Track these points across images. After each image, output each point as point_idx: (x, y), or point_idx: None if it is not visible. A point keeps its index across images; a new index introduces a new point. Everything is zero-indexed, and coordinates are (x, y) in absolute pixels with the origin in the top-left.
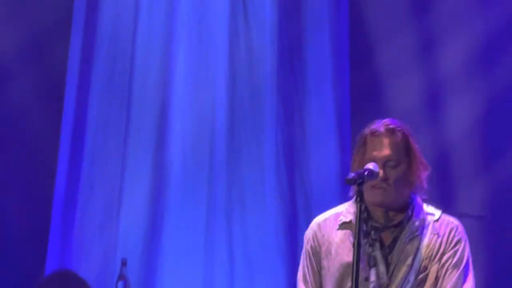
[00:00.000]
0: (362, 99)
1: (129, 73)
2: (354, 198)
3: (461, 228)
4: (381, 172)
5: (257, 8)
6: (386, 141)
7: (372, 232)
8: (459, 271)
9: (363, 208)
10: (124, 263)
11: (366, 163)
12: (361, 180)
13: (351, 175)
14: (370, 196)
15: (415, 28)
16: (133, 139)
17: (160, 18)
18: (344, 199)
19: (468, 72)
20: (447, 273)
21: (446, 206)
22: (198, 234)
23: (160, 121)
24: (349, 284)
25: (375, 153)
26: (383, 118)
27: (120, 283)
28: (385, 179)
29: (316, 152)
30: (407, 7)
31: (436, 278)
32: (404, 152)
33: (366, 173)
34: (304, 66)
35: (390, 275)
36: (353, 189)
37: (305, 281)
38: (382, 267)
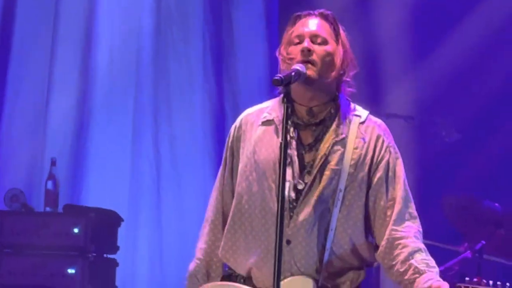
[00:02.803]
0: (291, 4)
1: None
2: (281, 96)
3: (388, 133)
4: (306, 42)
5: None
6: (316, 20)
7: (291, 130)
8: (399, 190)
9: (284, 110)
10: (53, 163)
11: (293, 41)
12: (288, 81)
13: (278, 76)
14: (300, 87)
15: None
16: (61, 39)
17: None
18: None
19: None
20: (385, 192)
21: (374, 107)
22: (125, 132)
23: (87, 22)
24: (265, 183)
25: (303, 29)
26: None
27: (49, 182)
28: (309, 51)
29: (244, 52)
30: None
31: (367, 193)
32: (333, 35)
33: (293, 73)
34: None
35: (313, 180)
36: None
37: (221, 184)
38: (296, 167)
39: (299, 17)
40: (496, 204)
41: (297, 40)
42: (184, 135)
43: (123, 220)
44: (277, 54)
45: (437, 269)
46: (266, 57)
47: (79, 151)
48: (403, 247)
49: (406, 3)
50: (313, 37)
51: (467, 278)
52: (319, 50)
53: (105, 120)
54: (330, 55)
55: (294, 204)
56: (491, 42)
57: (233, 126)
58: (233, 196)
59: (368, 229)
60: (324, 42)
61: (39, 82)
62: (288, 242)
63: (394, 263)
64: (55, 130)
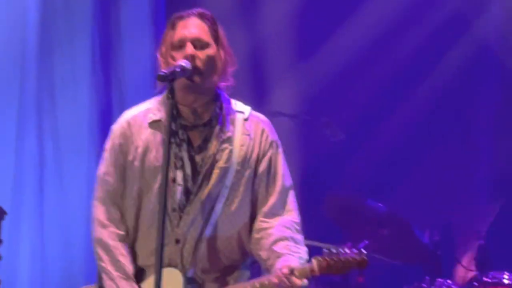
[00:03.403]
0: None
1: None
2: (164, 94)
3: (271, 128)
4: (189, 48)
5: None
6: (196, 22)
7: (180, 132)
8: (277, 184)
9: (170, 106)
10: None
11: (175, 44)
12: (172, 76)
13: (163, 71)
14: (182, 92)
15: None
16: None
17: None
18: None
19: None
20: (264, 186)
21: (260, 105)
22: (9, 126)
23: None
24: (155, 185)
25: (184, 32)
26: None
27: None
28: (193, 57)
29: (131, 48)
30: None
31: (252, 188)
32: (213, 36)
33: (178, 69)
34: None
35: (202, 179)
36: (160, 85)
37: (105, 182)
38: (188, 169)
39: (179, 18)
40: (380, 204)
41: (179, 44)
42: (68, 129)
43: (6, 214)
44: (158, 54)
45: (301, 255)
46: (153, 52)
47: None
48: (269, 236)
49: (291, 1)
50: (195, 41)
51: (325, 250)
52: (202, 55)
53: None
54: (212, 59)
55: (185, 204)
56: (374, 41)
57: (119, 125)
58: (118, 184)
59: (251, 223)
60: (206, 45)
61: None
62: (177, 241)
63: (260, 252)
64: None
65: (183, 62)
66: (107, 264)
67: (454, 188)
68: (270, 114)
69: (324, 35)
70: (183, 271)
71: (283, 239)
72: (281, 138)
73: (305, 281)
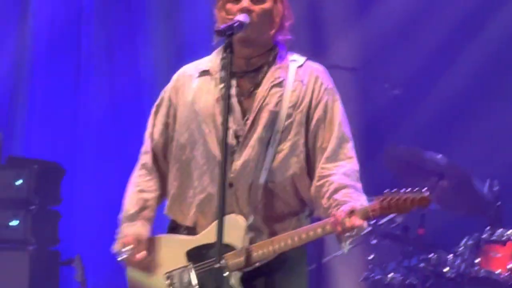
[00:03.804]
0: None
1: None
2: (219, 48)
3: (326, 75)
4: (245, 1)
5: None
6: None
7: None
8: (335, 130)
9: (228, 59)
10: None
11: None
12: (230, 31)
13: (221, 27)
14: (239, 45)
15: None
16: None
17: None
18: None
19: None
20: (322, 133)
21: (319, 57)
22: (67, 83)
23: None
24: (206, 129)
25: None
26: None
27: None
28: (249, 10)
29: (187, 3)
30: None
31: (306, 133)
32: None
33: (236, 24)
34: None
35: (252, 123)
36: (215, 39)
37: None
38: (237, 114)
39: None
40: (439, 156)
41: None
42: (126, 84)
43: (66, 172)
44: (215, 10)
45: (362, 202)
46: (209, 10)
47: (18, 102)
48: (330, 184)
49: None
50: None
51: (386, 191)
52: (258, 9)
53: (47, 73)
54: (268, 13)
55: (236, 148)
56: None
57: (171, 80)
58: (164, 140)
59: (310, 170)
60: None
61: None
62: (231, 185)
63: (321, 200)
64: None
65: (241, 17)
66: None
67: None
68: (328, 67)
69: None
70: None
71: (344, 187)
72: (339, 91)
73: (364, 224)
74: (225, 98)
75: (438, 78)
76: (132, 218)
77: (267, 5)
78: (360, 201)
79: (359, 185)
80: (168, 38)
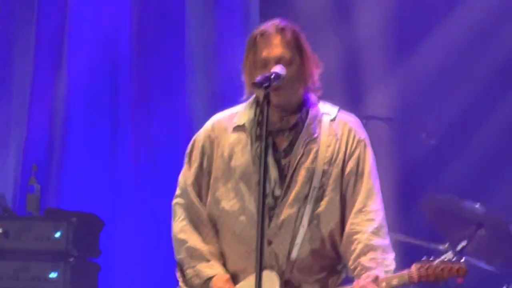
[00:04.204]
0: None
1: None
2: (250, 100)
3: (359, 126)
4: (273, 66)
5: None
6: (276, 40)
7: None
8: (364, 182)
9: (264, 112)
10: (34, 167)
11: (258, 64)
12: (267, 83)
13: (258, 78)
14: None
15: None
16: (39, 57)
17: None
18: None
19: None
20: (352, 185)
21: (354, 108)
22: (103, 136)
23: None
24: (243, 187)
25: (266, 53)
26: (293, 19)
27: (31, 186)
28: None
29: (225, 56)
30: None
31: (341, 187)
32: (296, 50)
33: (272, 76)
34: None
35: (289, 181)
36: (246, 93)
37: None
38: (274, 172)
39: (260, 35)
40: (477, 205)
41: (263, 64)
42: (163, 135)
43: (104, 224)
44: (243, 73)
45: (388, 268)
46: None
47: (56, 155)
48: (358, 243)
49: (386, 2)
50: (279, 60)
51: (424, 258)
52: (287, 73)
53: (84, 124)
54: (297, 74)
55: (274, 207)
56: (471, 43)
57: (203, 128)
58: (198, 188)
59: (344, 222)
60: (290, 63)
61: (21, 86)
62: (270, 242)
63: (348, 258)
64: (35, 134)
65: (278, 68)
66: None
67: None
68: (364, 118)
69: (420, 37)
70: (280, 273)
71: (371, 248)
72: (376, 142)
73: None
74: (263, 153)
75: (475, 127)
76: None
77: (294, 67)
78: (387, 265)
79: (386, 242)
80: (205, 87)
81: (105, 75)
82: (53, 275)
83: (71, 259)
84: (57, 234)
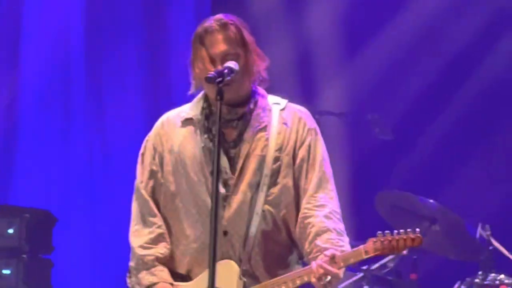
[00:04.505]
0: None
1: None
2: (198, 96)
3: (308, 116)
4: (220, 65)
5: None
6: (220, 36)
7: (213, 128)
8: (316, 169)
9: (218, 106)
10: None
11: (206, 61)
12: (221, 78)
13: (211, 73)
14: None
15: None
16: None
17: None
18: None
19: None
20: (305, 173)
21: (308, 103)
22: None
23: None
24: (195, 178)
25: (211, 50)
26: (244, 17)
27: None
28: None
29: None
30: None
31: (293, 175)
32: (240, 44)
33: (225, 70)
34: None
35: (240, 169)
36: (192, 89)
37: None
38: (225, 162)
39: (205, 32)
40: (431, 200)
41: (209, 60)
42: (116, 133)
43: (57, 220)
44: (190, 69)
45: (344, 248)
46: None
47: (9, 151)
48: (312, 226)
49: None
50: (225, 56)
51: (379, 232)
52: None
53: (36, 121)
54: (244, 68)
55: (226, 196)
56: (421, 38)
57: (153, 127)
58: (152, 188)
59: (298, 210)
60: (236, 57)
61: None
62: (225, 233)
63: (304, 243)
64: None
65: (231, 63)
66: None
67: (506, 181)
68: (318, 113)
69: (371, 33)
70: (238, 263)
71: (326, 230)
72: (330, 137)
73: (340, 273)
74: (216, 146)
75: (428, 121)
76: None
77: (241, 60)
78: (343, 246)
79: (341, 226)
80: (156, 83)
81: (57, 73)
82: (6, 271)
83: (24, 256)
84: (10, 231)
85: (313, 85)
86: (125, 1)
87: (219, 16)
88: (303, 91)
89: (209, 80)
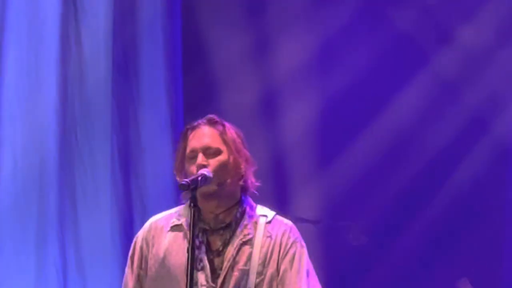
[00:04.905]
0: (196, 104)
1: None
2: (188, 202)
3: (294, 229)
4: (200, 158)
5: (89, 14)
6: (205, 131)
7: (200, 235)
8: (301, 281)
9: (191, 215)
10: None
11: (188, 156)
12: (194, 185)
13: (185, 180)
14: (203, 200)
15: (249, 30)
16: None
17: None
18: (180, 203)
19: (303, 75)
20: (288, 284)
21: (282, 210)
22: (29, 238)
23: None
24: (181, 283)
25: (194, 143)
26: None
27: None
28: (204, 166)
29: (151, 158)
30: (240, 11)
31: (278, 286)
32: (224, 142)
33: (199, 178)
34: (138, 73)
35: (222, 281)
36: (184, 194)
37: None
38: (208, 271)
39: (190, 129)
40: None
41: (191, 155)
42: (90, 240)
43: None
44: (173, 171)
45: None
46: (173, 164)
47: None
48: None
49: (315, 106)
50: (206, 150)
51: None
52: (213, 162)
53: (9, 226)
54: (224, 164)
55: None
56: (395, 145)
57: (141, 230)
58: None
59: None
60: (217, 152)
61: None
62: None
63: None
64: None
65: (205, 171)
66: None
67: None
68: (293, 220)
69: (344, 140)
70: None
71: None
72: (306, 244)
73: None
74: (189, 255)
75: (401, 228)
76: None
77: (222, 157)
78: None
79: None
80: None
81: (31, 178)
82: None
83: None
84: None
85: (288, 191)
86: None
87: (209, 115)
88: (278, 197)
89: (182, 187)
